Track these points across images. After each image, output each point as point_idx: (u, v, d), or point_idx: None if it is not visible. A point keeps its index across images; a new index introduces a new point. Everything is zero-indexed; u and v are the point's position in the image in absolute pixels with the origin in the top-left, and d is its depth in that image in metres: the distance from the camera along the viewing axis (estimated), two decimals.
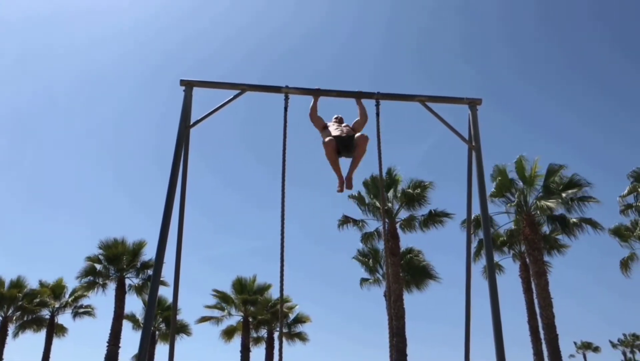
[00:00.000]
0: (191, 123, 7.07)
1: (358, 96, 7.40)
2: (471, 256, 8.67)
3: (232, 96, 7.18)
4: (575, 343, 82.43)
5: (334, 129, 7.19)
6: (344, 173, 7.12)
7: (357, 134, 6.97)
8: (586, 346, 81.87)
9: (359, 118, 7.47)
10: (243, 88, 7.20)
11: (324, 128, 7.34)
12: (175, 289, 8.07)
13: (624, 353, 79.90)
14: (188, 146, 7.22)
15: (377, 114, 7.11)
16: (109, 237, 26.61)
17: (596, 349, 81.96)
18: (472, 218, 11.01)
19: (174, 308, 8.61)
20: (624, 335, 78.71)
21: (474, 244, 23.00)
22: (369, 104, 7.30)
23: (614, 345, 79.76)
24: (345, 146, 6.95)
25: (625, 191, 23.13)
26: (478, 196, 7.06)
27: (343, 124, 7.38)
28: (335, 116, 7.58)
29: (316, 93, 7.35)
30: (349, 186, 7.17)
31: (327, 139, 6.89)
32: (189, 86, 7.16)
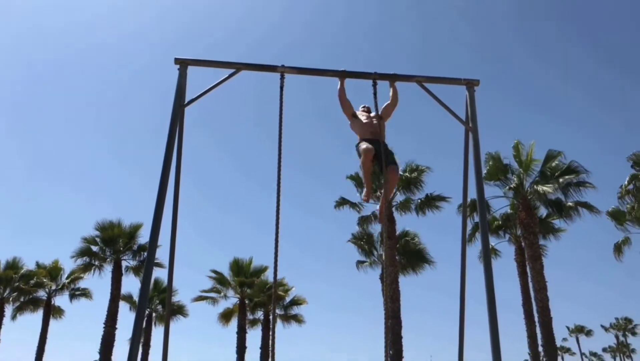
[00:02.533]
0: (186, 102, 6.98)
1: (392, 78, 7.28)
2: (466, 238, 8.66)
3: (227, 75, 7.08)
4: (568, 328, 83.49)
5: (364, 120, 7.00)
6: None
7: (390, 167, 6.68)
8: (579, 330, 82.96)
9: (389, 101, 7.25)
10: (238, 67, 7.09)
11: (353, 116, 7.12)
12: (170, 271, 8.04)
13: (617, 337, 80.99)
14: (183, 126, 7.13)
15: (375, 94, 7.03)
16: (105, 219, 26.64)
17: (589, 333, 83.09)
18: (469, 201, 11.01)
19: (169, 289, 8.59)
20: (617, 318, 79.75)
21: (469, 228, 23.07)
22: (366, 83, 7.21)
23: (605, 329, 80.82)
24: (380, 151, 6.70)
25: (626, 180, 23.14)
26: (475, 179, 7.01)
27: (372, 114, 7.14)
28: (363, 106, 7.39)
29: (342, 75, 7.22)
30: (381, 219, 7.16)
31: (364, 146, 6.58)
32: (183, 64, 7.04)
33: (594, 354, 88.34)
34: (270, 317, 26.69)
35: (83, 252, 26.34)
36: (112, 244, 26.18)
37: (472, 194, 7.78)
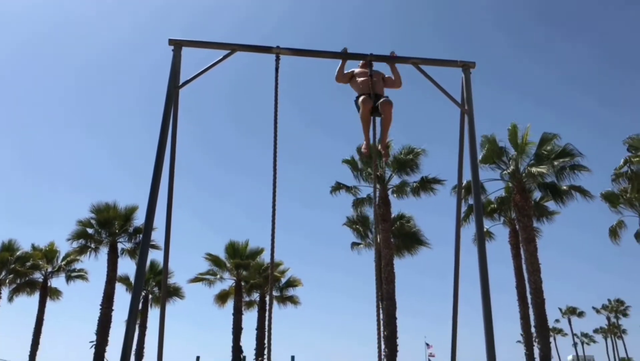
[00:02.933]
0: (180, 84, 6.93)
1: (388, 59, 7.22)
2: (461, 221, 8.69)
3: (221, 56, 7.02)
4: (560, 309, 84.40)
5: (362, 76, 6.96)
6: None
7: (381, 100, 6.71)
8: (571, 312, 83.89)
9: (394, 80, 7.25)
10: (233, 48, 7.03)
11: (351, 77, 7.12)
12: (166, 253, 8.06)
13: (608, 318, 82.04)
14: (177, 107, 7.09)
15: (370, 76, 6.99)
16: (101, 201, 26.60)
17: (581, 314, 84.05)
18: (464, 184, 11.01)
19: (164, 271, 8.62)
20: (609, 300, 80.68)
21: (463, 210, 23.18)
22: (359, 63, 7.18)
23: (597, 311, 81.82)
24: (375, 102, 6.70)
25: (621, 162, 23.25)
26: (470, 161, 7.02)
27: (373, 68, 7.02)
28: (363, 62, 7.18)
29: (338, 56, 7.15)
30: (386, 155, 7.19)
31: (362, 97, 6.65)
32: (177, 45, 6.97)
33: (585, 335, 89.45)
34: (267, 298, 26.90)
35: (79, 234, 26.36)
36: (107, 226, 26.18)
37: (467, 176, 7.80)
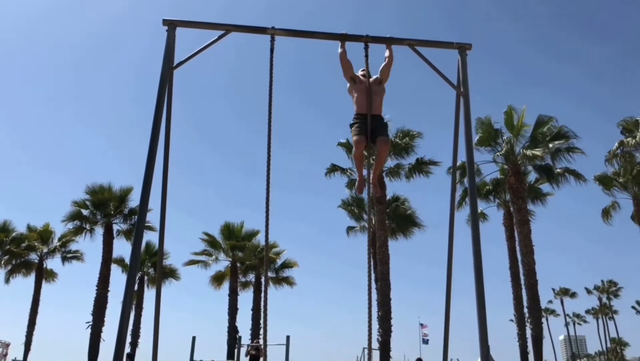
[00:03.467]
0: (175, 65, 6.87)
1: (384, 41, 7.14)
2: (455, 202, 8.73)
3: (216, 37, 6.95)
4: (553, 290, 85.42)
5: (360, 89, 6.73)
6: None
7: (378, 139, 6.45)
8: (564, 293, 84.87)
9: (384, 62, 6.98)
10: (228, 29, 6.95)
11: (352, 79, 6.85)
12: (161, 235, 8.07)
13: (600, 299, 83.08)
14: (172, 88, 7.03)
15: (366, 57, 6.93)
16: (95, 182, 26.51)
17: (573, 295, 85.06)
18: (458, 165, 11.03)
19: (160, 252, 8.63)
20: (602, 281, 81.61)
21: (459, 192, 23.27)
22: (358, 46, 7.10)
23: (589, 291, 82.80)
24: (373, 124, 6.47)
25: (615, 146, 23.35)
26: (465, 143, 7.02)
27: (371, 79, 6.86)
28: (363, 70, 7.00)
29: (343, 38, 7.07)
30: (377, 192, 7.00)
31: (355, 138, 6.40)
32: (172, 25, 6.89)
33: (577, 315, 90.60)
34: (262, 279, 27.04)
35: (74, 216, 26.32)
36: (102, 208, 26.15)
37: (463, 158, 7.81)
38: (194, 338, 21.08)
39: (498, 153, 22.41)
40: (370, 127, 6.44)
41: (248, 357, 19.63)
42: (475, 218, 6.79)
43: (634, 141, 22.29)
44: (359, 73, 7.01)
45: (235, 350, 21.71)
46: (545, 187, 24.15)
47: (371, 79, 6.87)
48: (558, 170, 22.13)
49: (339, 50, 6.94)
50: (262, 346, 19.80)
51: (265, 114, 6.73)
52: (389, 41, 7.20)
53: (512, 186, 21.45)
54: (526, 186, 22.17)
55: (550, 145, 21.30)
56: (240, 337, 21.98)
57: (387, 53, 7.07)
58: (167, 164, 7.78)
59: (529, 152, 20.86)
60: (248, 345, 20.17)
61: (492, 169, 23.81)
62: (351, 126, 6.61)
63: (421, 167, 22.61)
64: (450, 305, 8.23)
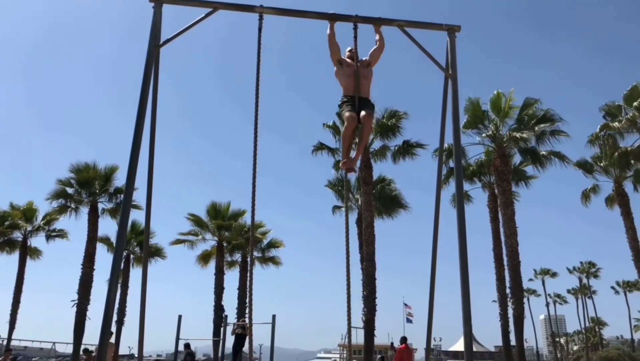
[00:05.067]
0: (161, 42, 6.77)
1: (373, 21, 7.06)
2: (441, 186, 8.80)
3: (203, 15, 6.86)
4: (535, 270, 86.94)
5: (348, 72, 6.62)
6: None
7: (362, 114, 6.38)
8: (545, 272, 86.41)
9: (375, 46, 6.95)
10: (215, 6, 6.85)
11: (339, 62, 6.75)
12: (148, 213, 8.04)
13: (580, 279, 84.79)
14: (158, 66, 6.94)
15: (355, 38, 6.88)
16: (80, 161, 26.22)
17: (554, 275, 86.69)
18: (445, 147, 11.08)
19: (146, 231, 8.61)
20: (581, 262, 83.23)
21: (443, 172, 23.43)
22: (347, 28, 7.05)
23: (570, 271, 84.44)
24: (360, 105, 6.43)
25: (597, 129, 23.62)
26: (452, 125, 7.05)
27: (360, 61, 6.77)
28: (349, 50, 6.93)
29: (332, 18, 6.97)
30: (353, 167, 6.67)
31: (347, 114, 6.31)
32: (158, 2, 6.77)
33: (557, 295, 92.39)
34: (248, 259, 27.14)
35: (58, 194, 26.06)
36: (87, 186, 25.90)
37: (449, 140, 7.83)
38: (179, 316, 21.20)
39: (484, 135, 22.55)
40: (358, 109, 6.42)
41: (234, 336, 19.80)
42: (461, 201, 6.84)
43: (618, 125, 22.54)
44: (346, 54, 6.95)
45: (222, 329, 21.87)
46: (529, 169, 24.39)
47: (359, 62, 6.85)
48: (543, 153, 22.35)
49: (328, 32, 6.85)
50: (247, 325, 19.98)
51: (252, 95, 6.69)
52: (378, 22, 7.16)
53: (497, 168, 21.63)
54: (511, 168, 22.37)
55: (536, 128, 21.48)
56: (226, 316, 22.13)
57: (377, 37, 7.04)
58: (154, 142, 7.72)
59: (516, 134, 21.00)
60: (234, 324, 20.32)
61: (478, 151, 24.00)
62: (340, 105, 6.61)
63: (408, 149, 22.64)
64: (435, 285, 8.34)
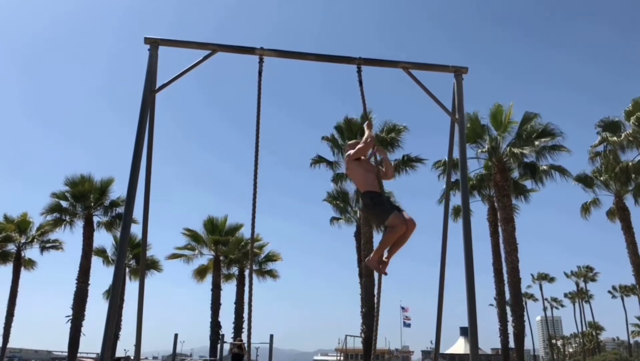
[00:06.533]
0: (157, 87, 6.50)
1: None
2: (449, 211, 8.56)
3: (202, 57, 6.60)
4: (532, 275, 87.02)
5: (368, 165, 5.94)
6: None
7: (410, 220, 5.57)
8: (542, 277, 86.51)
9: (384, 170, 6.21)
10: (214, 48, 6.59)
11: (357, 159, 5.92)
12: (145, 228, 7.77)
13: (577, 284, 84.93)
14: (154, 112, 6.68)
15: (360, 82, 6.58)
16: (75, 174, 25.89)
17: (551, 280, 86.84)
18: (444, 161, 10.85)
19: (143, 245, 8.33)
20: (579, 266, 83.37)
21: (442, 185, 23.26)
22: (351, 69, 6.79)
23: (567, 276, 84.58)
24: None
25: (597, 141, 23.47)
26: (460, 179, 6.84)
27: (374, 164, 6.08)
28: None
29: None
30: (384, 270, 5.78)
31: (399, 216, 5.45)
32: (154, 44, 6.50)
33: (554, 299, 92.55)
34: (247, 272, 26.84)
35: (53, 208, 25.72)
36: (82, 199, 25.56)
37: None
38: (176, 335, 20.94)
39: (484, 150, 22.34)
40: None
41: (231, 355, 19.58)
42: (467, 217, 6.58)
43: (617, 139, 22.37)
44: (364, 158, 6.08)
45: (218, 346, 21.62)
46: (529, 183, 24.20)
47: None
48: (543, 167, 22.17)
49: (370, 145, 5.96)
50: (244, 345, 19.64)
51: (253, 125, 6.43)
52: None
53: (497, 184, 21.43)
54: (511, 183, 22.17)
55: (537, 143, 21.29)
56: (223, 335, 21.88)
57: (384, 167, 6.30)
58: (150, 169, 7.47)
59: (516, 150, 20.80)
60: (231, 344, 20.07)
61: (476, 164, 23.73)
62: (375, 203, 5.66)
63: (407, 163, 22.44)
64: (444, 294, 8.10)
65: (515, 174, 23.41)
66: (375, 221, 5.92)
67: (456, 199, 24.57)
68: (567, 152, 21.33)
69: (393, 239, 5.52)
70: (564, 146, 21.39)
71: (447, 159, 7.54)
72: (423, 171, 25.62)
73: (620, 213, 23.70)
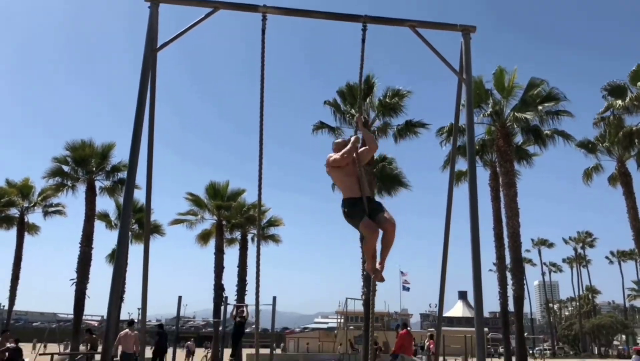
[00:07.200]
0: (158, 46, 6.36)
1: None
2: (453, 183, 8.54)
3: (203, 15, 6.43)
4: (532, 240, 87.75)
5: (349, 168, 5.60)
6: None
7: (383, 218, 5.35)
8: (542, 243, 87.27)
9: (367, 147, 5.98)
10: (216, 6, 6.41)
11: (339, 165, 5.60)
12: (148, 192, 7.78)
13: (575, 249, 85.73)
14: (155, 71, 6.56)
15: (363, 41, 6.39)
16: (76, 139, 25.77)
17: (550, 245, 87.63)
18: (450, 126, 10.75)
19: (147, 210, 8.34)
20: (578, 232, 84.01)
21: (445, 152, 23.16)
22: (355, 27, 6.62)
23: (566, 242, 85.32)
24: (370, 207, 5.45)
25: (603, 108, 23.22)
26: (467, 144, 6.77)
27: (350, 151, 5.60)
28: (336, 142, 5.89)
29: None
30: (381, 277, 5.60)
31: (367, 223, 5.24)
32: (154, 2, 6.32)
33: (553, 264, 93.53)
34: (249, 237, 27.02)
35: (55, 172, 25.71)
36: (84, 164, 25.50)
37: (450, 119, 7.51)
38: (179, 297, 21.18)
39: (487, 114, 22.14)
40: (370, 213, 5.42)
41: (234, 323, 19.85)
42: (474, 181, 6.54)
43: (622, 103, 22.13)
44: (334, 145, 5.90)
45: (222, 308, 21.90)
46: (532, 148, 24.07)
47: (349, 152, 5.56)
48: (547, 132, 22.01)
49: (351, 145, 5.58)
50: (246, 314, 19.81)
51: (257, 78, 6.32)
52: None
53: (500, 149, 21.33)
54: (514, 148, 22.06)
55: (540, 107, 21.08)
56: (226, 297, 22.14)
57: (367, 142, 6.05)
58: (152, 146, 7.39)
59: (519, 115, 20.60)
60: (234, 307, 20.33)
61: (480, 129, 23.53)
62: (349, 211, 5.44)
63: (410, 128, 22.23)
64: (447, 261, 8.15)
65: (518, 139, 23.28)
66: (354, 227, 5.59)
67: (459, 166, 24.55)
68: (571, 117, 21.15)
69: (369, 248, 5.39)
70: (567, 110, 21.21)
71: (453, 120, 7.41)
72: (427, 138, 25.42)
73: (622, 178, 23.65)
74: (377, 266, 5.59)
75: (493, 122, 22.08)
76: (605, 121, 23.20)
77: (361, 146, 5.84)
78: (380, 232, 5.35)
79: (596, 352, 75.63)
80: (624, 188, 23.42)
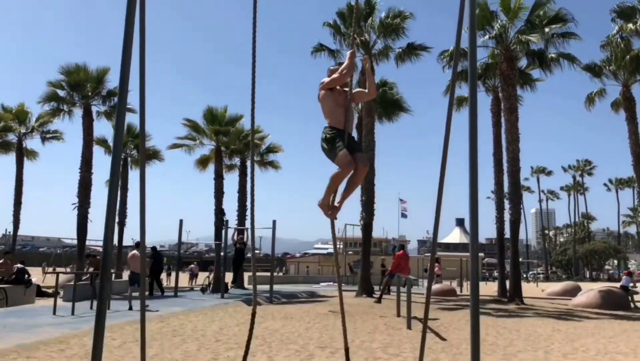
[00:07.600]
0: None
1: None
2: (454, 89, 8.35)
3: None
4: (531, 168, 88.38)
5: (340, 98, 5.28)
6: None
7: (361, 160, 5.14)
8: (540, 171, 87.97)
9: (366, 91, 5.60)
10: None
11: (330, 89, 5.29)
12: (142, 114, 7.64)
13: (574, 177, 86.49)
14: None
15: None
16: (70, 62, 25.21)
17: (549, 173, 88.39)
18: (451, 50, 10.42)
19: (141, 133, 8.26)
20: (578, 160, 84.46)
21: (447, 77, 22.72)
22: None
23: (565, 170, 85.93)
24: (350, 144, 5.15)
25: (614, 31, 22.47)
26: (469, 36, 6.48)
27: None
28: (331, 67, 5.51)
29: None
30: (335, 215, 5.28)
31: (346, 155, 5.03)
32: None
33: (551, 192, 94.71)
34: (249, 163, 26.96)
35: (50, 97, 25.38)
36: (79, 89, 25.10)
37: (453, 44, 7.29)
38: (181, 221, 21.49)
39: (491, 36, 21.49)
40: (349, 149, 5.15)
41: (234, 249, 20.30)
42: (474, 103, 6.42)
43: (632, 27, 21.41)
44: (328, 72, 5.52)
45: (223, 231, 22.28)
46: (535, 72, 23.58)
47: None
48: (552, 55, 21.45)
49: (347, 61, 5.22)
50: (246, 239, 20.15)
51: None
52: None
53: (503, 73, 20.86)
54: (517, 72, 21.58)
55: (547, 29, 20.38)
56: (227, 221, 22.45)
57: (367, 83, 5.57)
58: (144, 44, 7.16)
59: (523, 37, 19.97)
60: (235, 230, 20.66)
61: (483, 53, 22.91)
62: (330, 138, 5.24)
63: (412, 51, 21.68)
64: (444, 185, 8.19)
65: (523, 62, 22.73)
66: (328, 157, 5.33)
67: (461, 91, 24.16)
68: (578, 40, 20.51)
69: (338, 180, 5.19)
70: (575, 33, 20.53)
71: (455, 42, 7.11)
72: (428, 62, 24.87)
73: (626, 103, 23.29)
74: (336, 204, 5.39)
75: (496, 45, 21.46)
76: (612, 44, 22.53)
77: (361, 87, 5.59)
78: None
79: (588, 276, 78.32)
80: (627, 113, 23.13)
